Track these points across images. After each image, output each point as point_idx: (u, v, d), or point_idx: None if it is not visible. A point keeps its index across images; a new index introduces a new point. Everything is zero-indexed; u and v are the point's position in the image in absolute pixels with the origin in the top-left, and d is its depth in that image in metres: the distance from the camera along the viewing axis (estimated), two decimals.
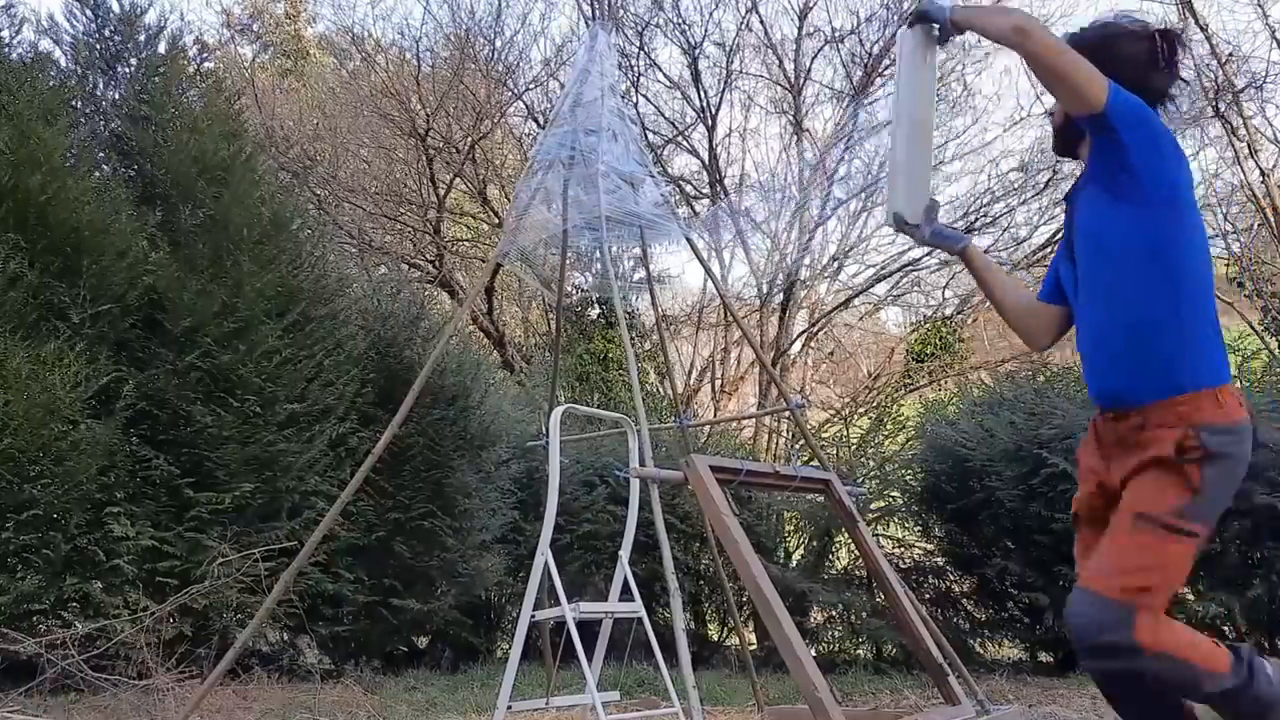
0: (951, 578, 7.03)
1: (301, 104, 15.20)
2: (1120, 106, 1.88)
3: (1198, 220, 1.97)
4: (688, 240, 4.34)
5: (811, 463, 4.56)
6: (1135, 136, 1.88)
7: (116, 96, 5.77)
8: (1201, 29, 10.31)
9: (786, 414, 5.47)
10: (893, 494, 7.24)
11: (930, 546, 7.20)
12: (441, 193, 13.29)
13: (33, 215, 4.80)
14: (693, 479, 3.14)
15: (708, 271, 4.98)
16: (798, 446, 8.81)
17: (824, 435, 8.47)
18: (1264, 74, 10.85)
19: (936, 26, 2.12)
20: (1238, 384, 1.91)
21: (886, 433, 7.96)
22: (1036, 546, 6.09)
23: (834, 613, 7.10)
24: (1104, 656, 1.81)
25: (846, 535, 5.11)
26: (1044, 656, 6.64)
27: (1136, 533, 1.86)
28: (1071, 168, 13.43)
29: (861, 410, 11.11)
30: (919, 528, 7.20)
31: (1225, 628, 5.82)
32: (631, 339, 13.55)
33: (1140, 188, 1.90)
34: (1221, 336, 1.99)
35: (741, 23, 13.53)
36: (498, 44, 13.74)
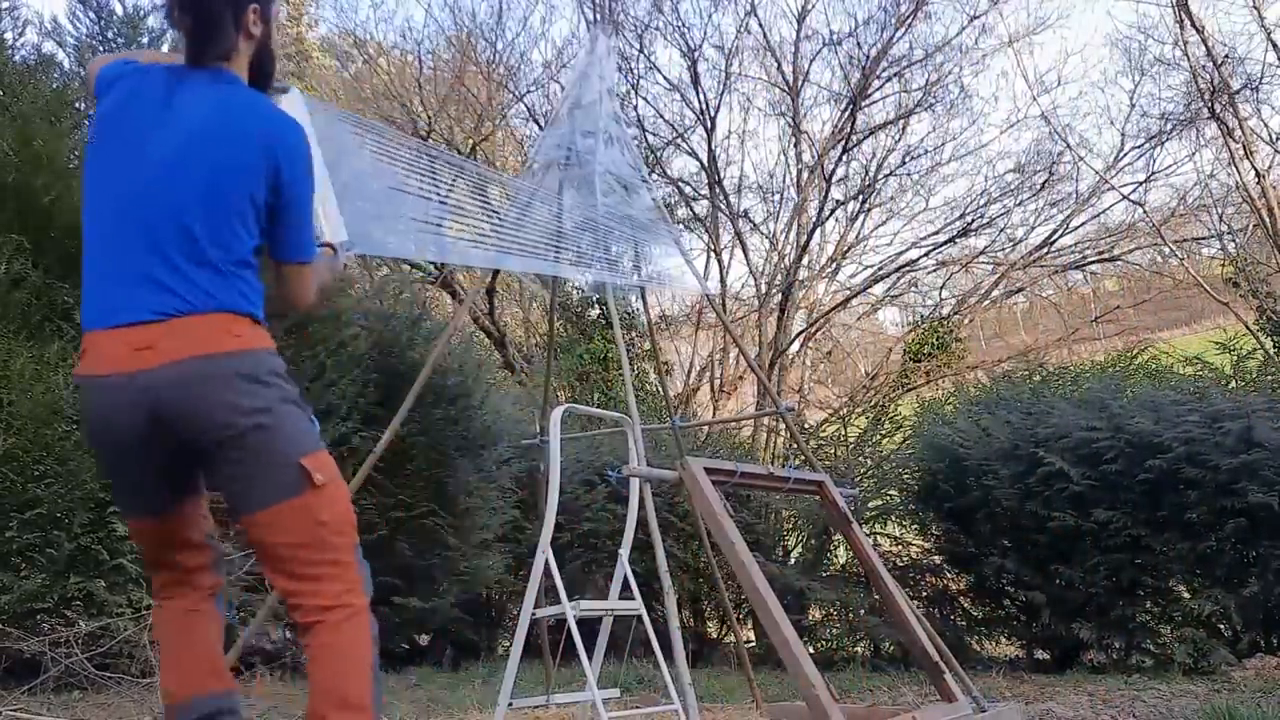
0: (948, 576, 7.07)
1: None
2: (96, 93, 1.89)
3: (95, 163, 1.81)
4: (678, 245, 4.38)
5: (804, 466, 4.60)
6: None
7: None
8: (1198, 30, 10.35)
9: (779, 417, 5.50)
10: (890, 493, 7.29)
11: (927, 545, 7.24)
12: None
13: (37, 216, 4.83)
14: (687, 480, 3.18)
15: (700, 280, 5.01)
16: (795, 447, 8.84)
17: (822, 434, 8.51)
18: (1259, 75, 10.89)
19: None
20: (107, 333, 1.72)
21: (884, 432, 8.00)
22: (1033, 545, 6.13)
23: (832, 610, 7.14)
24: None
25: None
26: (1040, 654, 6.67)
27: None
28: (1068, 169, 13.44)
29: (859, 409, 11.16)
30: (916, 526, 7.24)
31: (1221, 626, 5.86)
32: (631, 339, 13.61)
33: None
34: (95, 280, 1.77)
35: (740, 25, 13.60)
36: (499, 46, 13.81)
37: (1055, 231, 13.94)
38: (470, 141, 13.33)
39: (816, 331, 14.90)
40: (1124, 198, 13.13)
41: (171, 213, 1.75)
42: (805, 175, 13.77)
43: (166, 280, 1.73)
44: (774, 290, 13.51)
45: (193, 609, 1.97)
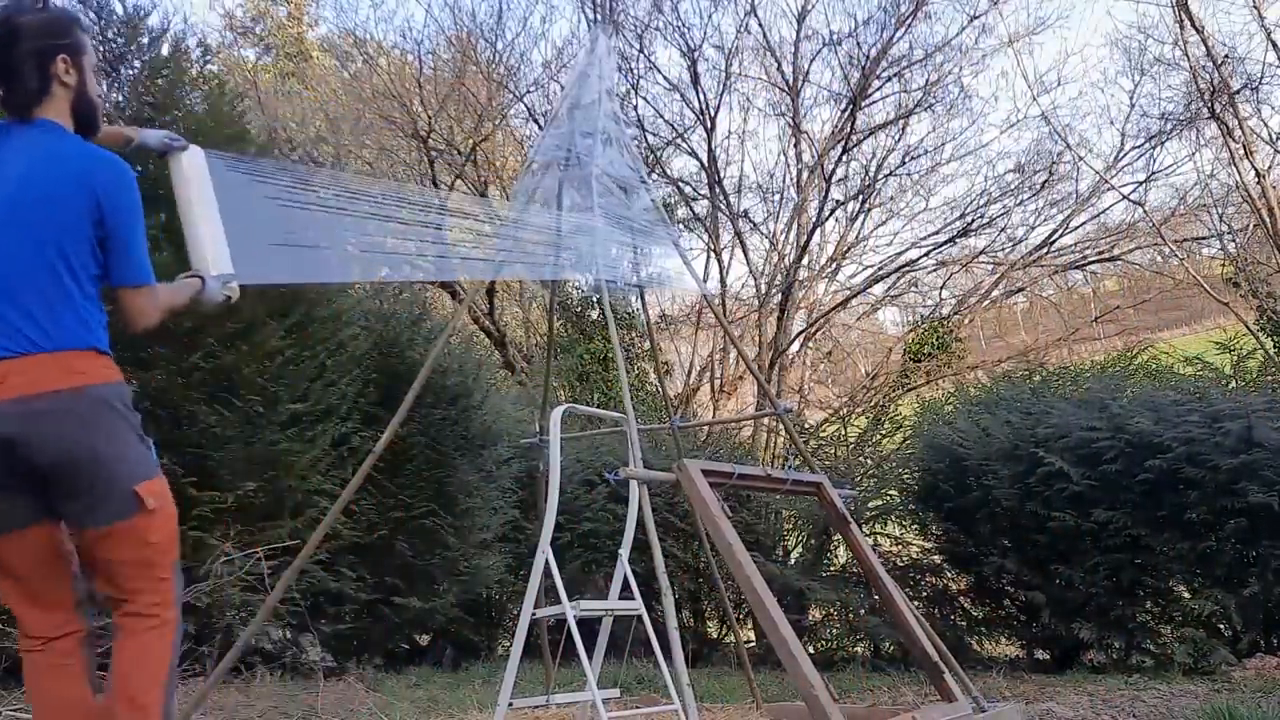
0: (949, 576, 7.07)
1: (304, 106, 15.25)
2: None
3: None
4: (677, 247, 4.38)
5: (803, 467, 4.60)
6: None
7: (120, 99, 5.79)
8: (1198, 30, 10.34)
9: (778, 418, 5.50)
10: (890, 493, 7.29)
11: (927, 545, 7.24)
12: (443, 194, 13.34)
13: None
14: (684, 482, 3.18)
15: (699, 281, 5.01)
16: (794, 447, 8.85)
17: (822, 434, 8.50)
18: (1259, 75, 10.89)
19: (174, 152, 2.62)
20: None
21: (884, 432, 8.00)
22: (1033, 545, 6.13)
23: (832, 610, 7.14)
24: None
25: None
26: (1040, 654, 6.68)
27: None
28: (1068, 169, 13.45)
29: (859, 409, 11.16)
30: (916, 526, 7.24)
31: (1221, 626, 5.86)
32: (631, 338, 13.55)
33: None
34: None
35: (740, 25, 13.60)
36: (499, 46, 13.82)
37: (1055, 231, 13.94)
38: (470, 141, 13.33)
39: (816, 331, 14.90)
40: (1124, 198, 13.14)
41: (8, 261, 1.96)
42: (805, 175, 13.77)
43: (14, 320, 1.94)
44: (774, 290, 13.51)
45: (59, 663, 2.12)
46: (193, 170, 2.63)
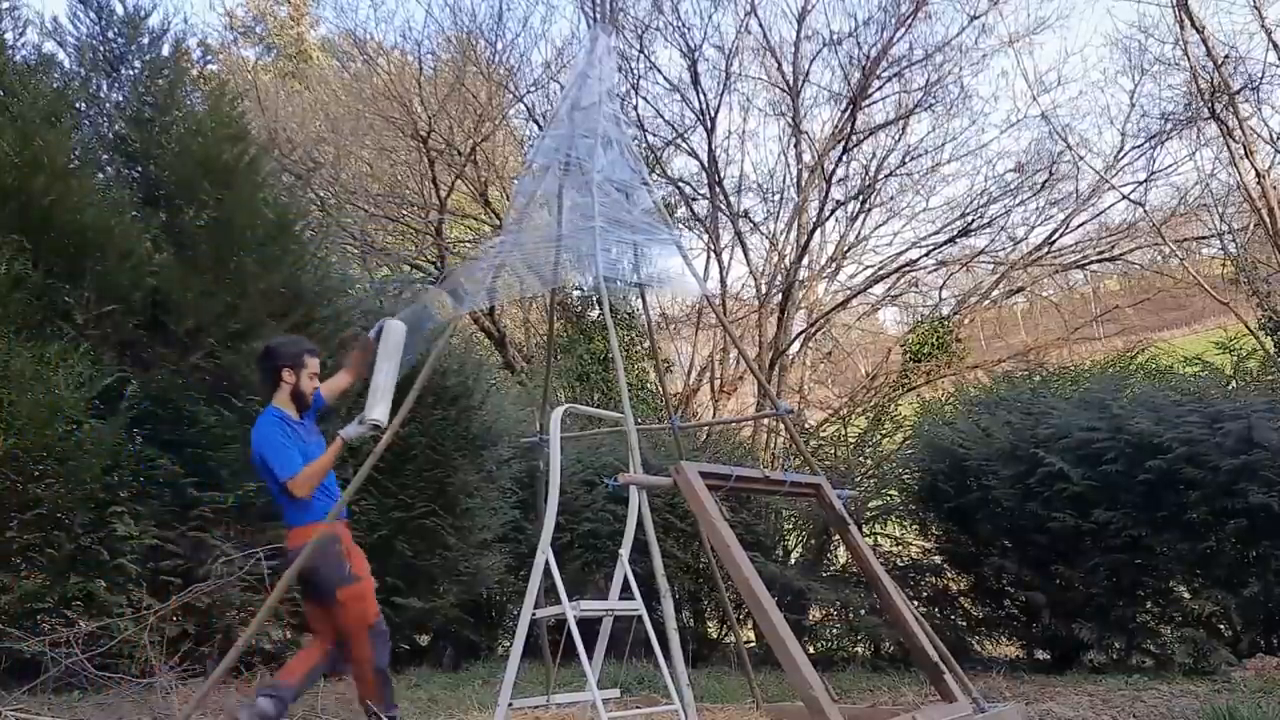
0: (949, 576, 7.07)
1: (304, 106, 15.24)
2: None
3: None
4: (679, 249, 4.37)
5: (803, 468, 4.59)
6: None
7: (120, 99, 5.80)
8: (1198, 30, 10.34)
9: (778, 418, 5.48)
10: (890, 493, 7.28)
11: (928, 545, 7.23)
12: (443, 194, 13.33)
13: (37, 216, 4.84)
14: (682, 485, 3.18)
15: (700, 282, 5.00)
16: (794, 448, 8.82)
17: (822, 435, 8.49)
18: (1260, 75, 10.88)
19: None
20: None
21: (884, 432, 7.99)
22: (1033, 545, 6.12)
23: (832, 610, 7.14)
24: None
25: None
26: (1040, 654, 6.67)
27: None
28: (1068, 168, 13.47)
29: (859, 410, 11.14)
30: (916, 526, 7.23)
31: (1222, 626, 5.86)
32: (631, 338, 13.48)
33: None
34: None
35: (740, 26, 13.59)
36: (499, 46, 13.81)
37: (1055, 231, 13.95)
38: (470, 142, 13.33)
39: (816, 332, 14.89)
40: (1124, 197, 13.14)
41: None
42: (805, 175, 13.76)
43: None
44: (774, 290, 13.51)
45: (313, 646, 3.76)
46: (388, 336, 3.80)
